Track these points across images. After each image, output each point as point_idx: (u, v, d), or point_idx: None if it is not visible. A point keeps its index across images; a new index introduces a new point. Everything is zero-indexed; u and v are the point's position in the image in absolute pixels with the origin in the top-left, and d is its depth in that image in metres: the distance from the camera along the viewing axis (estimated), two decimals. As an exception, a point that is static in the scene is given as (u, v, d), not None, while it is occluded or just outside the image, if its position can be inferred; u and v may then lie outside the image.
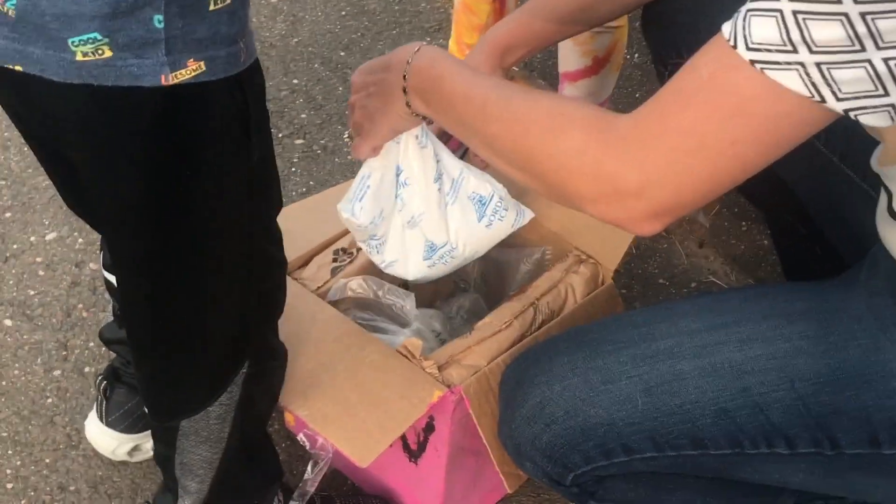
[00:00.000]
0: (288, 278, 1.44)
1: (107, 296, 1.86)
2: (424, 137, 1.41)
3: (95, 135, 1.08)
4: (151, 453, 1.51)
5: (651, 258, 2.19)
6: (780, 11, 0.95)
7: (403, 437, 1.53)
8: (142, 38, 1.00)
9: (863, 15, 0.92)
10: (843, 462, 1.26)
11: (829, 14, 0.93)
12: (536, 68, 2.67)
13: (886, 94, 0.95)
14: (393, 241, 1.48)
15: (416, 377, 1.46)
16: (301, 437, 1.50)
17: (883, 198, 1.22)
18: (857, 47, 0.93)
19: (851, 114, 0.98)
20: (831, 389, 1.24)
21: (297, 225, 1.62)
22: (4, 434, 1.83)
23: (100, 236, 1.60)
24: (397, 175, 1.43)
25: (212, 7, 1.03)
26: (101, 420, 1.74)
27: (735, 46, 0.98)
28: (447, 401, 1.44)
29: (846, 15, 0.92)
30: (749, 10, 0.97)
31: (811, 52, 0.94)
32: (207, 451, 1.37)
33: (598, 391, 1.31)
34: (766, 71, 0.96)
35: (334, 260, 1.66)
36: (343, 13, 2.89)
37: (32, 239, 2.19)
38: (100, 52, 1.00)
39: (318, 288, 1.62)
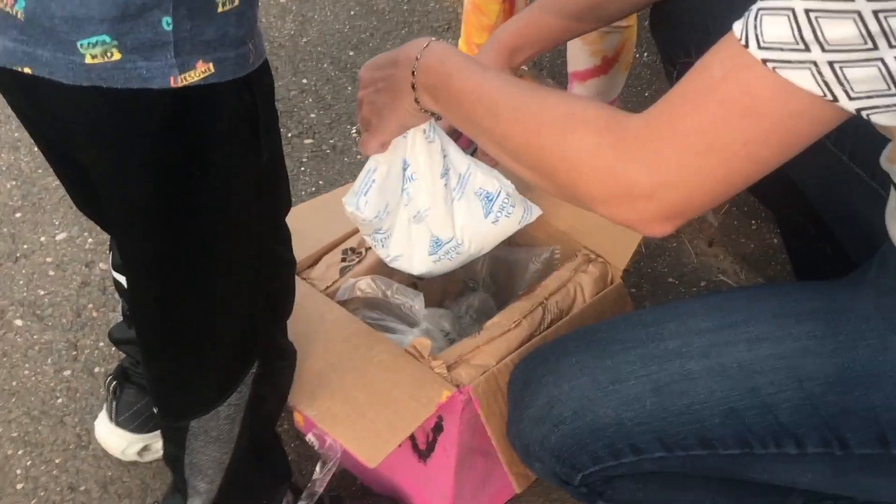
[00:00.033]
0: (297, 278, 1.44)
1: (116, 296, 1.86)
2: (432, 132, 1.40)
3: (104, 137, 1.08)
4: (161, 453, 1.51)
5: (660, 257, 2.19)
6: (793, 10, 0.94)
7: (412, 437, 1.53)
8: (150, 40, 1.00)
9: (875, 13, 0.91)
10: (852, 462, 1.26)
11: (841, 12, 0.92)
12: (546, 67, 2.66)
13: None
14: (398, 236, 1.47)
15: (425, 377, 1.46)
16: (310, 437, 1.50)
17: (892, 196, 1.22)
18: (870, 46, 0.93)
19: (864, 113, 0.97)
20: (840, 389, 1.23)
21: (306, 224, 1.62)
22: (15, 434, 1.83)
23: (109, 236, 1.61)
24: (404, 169, 1.42)
25: (220, 9, 1.03)
26: (110, 420, 1.74)
27: (747, 46, 0.97)
28: (456, 401, 1.44)
29: (859, 13, 0.92)
30: (760, 9, 0.97)
31: (824, 50, 0.94)
32: (217, 451, 1.37)
33: (606, 391, 1.31)
34: (778, 70, 0.96)
35: (343, 259, 1.66)
36: (352, 13, 2.89)
37: (43, 239, 2.19)
38: (109, 54, 1.00)
39: (327, 288, 1.62)
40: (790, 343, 1.27)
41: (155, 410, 1.39)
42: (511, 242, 1.80)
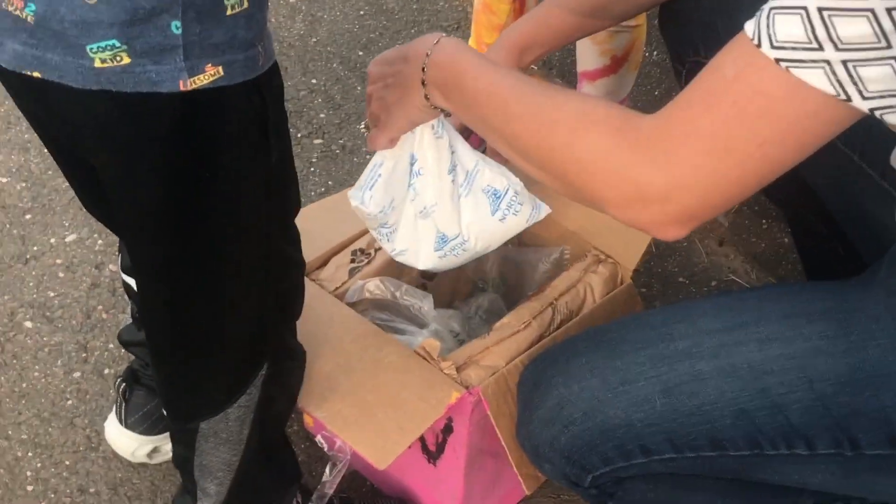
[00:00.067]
0: (306, 279, 1.44)
1: (126, 297, 1.86)
2: (440, 128, 1.39)
3: (114, 141, 1.08)
4: (171, 455, 1.51)
5: (671, 257, 2.18)
6: (805, 9, 0.93)
7: (422, 439, 1.53)
8: (160, 44, 1.00)
9: (889, 11, 0.91)
10: (863, 462, 1.25)
11: (855, 10, 0.92)
12: (555, 66, 2.66)
13: None
14: (404, 230, 1.46)
15: (435, 378, 1.45)
16: (319, 438, 1.50)
17: (903, 196, 1.22)
18: (884, 44, 0.92)
19: (877, 113, 0.97)
20: (851, 390, 1.23)
21: (316, 225, 1.62)
22: (25, 436, 1.84)
23: (118, 238, 1.61)
24: (411, 164, 1.41)
25: (229, 12, 1.03)
26: (120, 422, 1.74)
27: (759, 45, 0.97)
28: (465, 402, 1.44)
29: (872, 11, 0.91)
30: (773, 8, 0.96)
31: (837, 49, 0.93)
32: (226, 452, 1.37)
33: (616, 392, 1.30)
34: (791, 69, 0.95)
35: (352, 261, 1.66)
36: (361, 12, 2.89)
37: (52, 241, 2.19)
38: (118, 58, 1.00)
39: (336, 289, 1.62)
40: (801, 343, 1.26)
41: (164, 412, 1.40)
42: (521, 243, 1.80)
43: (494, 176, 1.42)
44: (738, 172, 1.04)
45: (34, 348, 1.98)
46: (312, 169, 2.39)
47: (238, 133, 1.11)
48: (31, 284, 2.10)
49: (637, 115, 1.11)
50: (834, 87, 0.95)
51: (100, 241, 2.18)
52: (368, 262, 1.66)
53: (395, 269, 1.67)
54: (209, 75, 1.04)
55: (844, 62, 0.93)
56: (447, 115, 1.36)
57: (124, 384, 1.73)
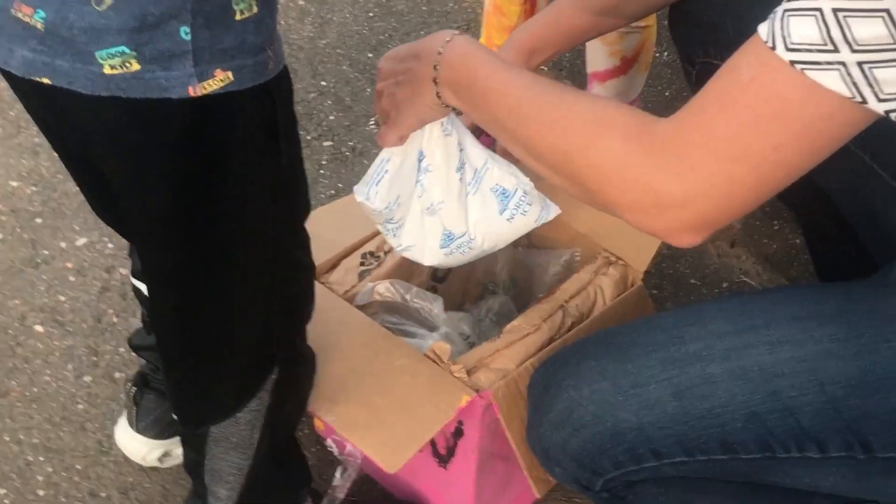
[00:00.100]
0: (315, 283, 1.44)
1: (136, 301, 1.86)
2: (450, 125, 1.38)
3: (124, 147, 1.08)
4: (181, 459, 1.51)
5: (682, 258, 2.17)
6: (820, 10, 0.93)
7: (433, 442, 1.53)
8: (169, 50, 1.00)
9: None
10: (875, 465, 1.25)
11: (870, 11, 0.91)
12: (565, 67, 2.66)
13: None
14: (410, 226, 1.45)
15: (445, 382, 1.45)
16: (329, 442, 1.50)
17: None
18: None
19: (892, 115, 0.96)
20: (862, 392, 1.22)
21: (325, 228, 1.62)
22: (36, 440, 1.84)
23: (129, 242, 1.61)
24: (420, 161, 1.40)
25: (238, 17, 1.03)
26: (131, 426, 1.74)
27: (774, 48, 0.96)
28: (476, 405, 1.44)
29: (888, 11, 0.91)
30: (787, 10, 0.96)
31: (853, 50, 0.92)
32: (237, 457, 1.37)
33: (627, 395, 1.30)
34: (806, 71, 0.95)
35: (362, 264, 1.66)
36: (371, 14, 2.88)
37: (63, 245, 2.19)
38: (127, 65, 1.00)
39: (346, 292, 1.62)
40: (812, 346, 1.25)
41: (174, 417, 1.40)
42: (531, 245, 1.80)
43: (504, 175, 1.41)
44: (754, 177, 1.03)
45: (45, 352, 1.98)
46: (322, 171, 2.38)
47: (248, 138, 1.11)
48: (41, 288, 2.10)
49: (652, 118, 1.10)
50: (849, 89, 0.94)
51: (110, 245, 2.18)
52: (378, 265, 1.66)
53: (406, 272, 1.66)
54: (219, 80, 1.04)
55: (860, 63, 0.93)
56: (458, 113, 1.35)
57: (135, 388, 1.73)
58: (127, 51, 0.99)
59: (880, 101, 0.95)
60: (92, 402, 1.90)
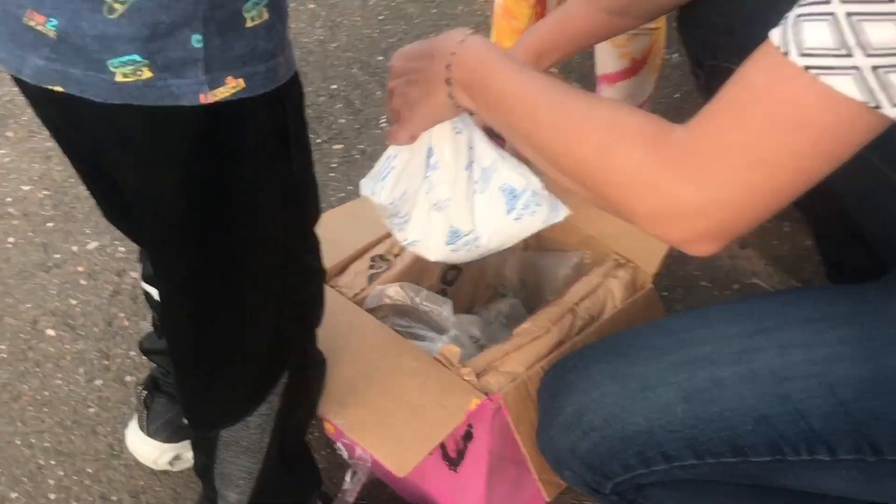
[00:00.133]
0: (325, 286, 1.44)
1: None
2: (461, 123, 1.37)
3: (137, 154, 1.08)
4: (192, 462, 1.51)
5: (692, 260, 2.17)
6: (833, 14, 0.92)
7: (443, 446, 1.53)
8: (181, 58, 1.00)
9: None
10: (886, 468, 1.25)
11: (884, 14, 0.90)
12: (575, 69, 2.65)
13: None
14: (417, 221, 1.44)
15: (454, 385, 1.45)
16: (339, 445, 1.50)
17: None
18: None
19: None
20: (872, 395, 1.22)
21: (335, 232, 1.61)
22: (47, 444, 1.84)
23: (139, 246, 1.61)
24: (428, 157, 1.40)
25: (249, 24, 1.03)
26: (141, 430, 1.75)
27: (787, 54, 0.95)
28: (485, 409, 1.43)
29: None
30: (799, 16, 0.95)
31: (866, 55, 0.91)
32: (247, 461, 1.37)
33: (636, 398, 1.30)
34: (820, 77, 0.93)
35: (371, 267, 1.66)
36: (381, 17, 2.89)
37: (74, 248, 2.20)
38: (139, 73, 1.00)
39: (356, 295, 1.62)
40: (822, 348, 1.25)
41: (185, 421, 1.40)
42: (540, 247, 1.80)
43: (513, 174, 1.39)
44: (771, 185, 1.02)
45: (56, 356, 1.99)
46: (332, 174, 2.39)
47: (259, 144, 1.11)
48: (53, 292, 2.11)
49: (668, 126, 1.08)
50: (864, 94, 0.93)
51: (121, 249, 2.18)
52: (388, 268, 1.66)
53: (415, 275, 1.66)
54: (230, 88, 1.04)
55: (874, 68, 0.92)
56: (471, 113, 1.34)
57: (145, 392, 1.74)
58: (139, 59, 0.99)
59: (894, 105, 0.94)
60: (103, 405, 1.90)
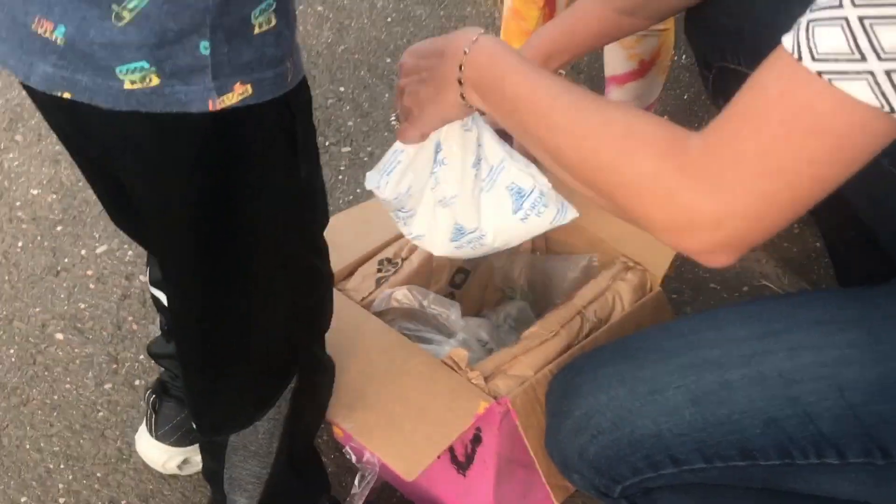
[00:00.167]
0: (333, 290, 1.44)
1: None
2: (471, 121, 1.36)
3: (145, 161, 1.08)
4: (201, 466, 1.51)
5: (701, 262, 2.16)
6: (846, 18, 0.91)
7: (451, 449, 1.53)
8: (189, 65, 1.00)
9: None
10: (894, 471, 1.24)
11: None
12: (584, 71, 2.65)
13: None
14: (422, 216, 1.43)
15: (463, 388, 1.45)
16: (347, 449, 1.50)
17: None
18: None
19: None
20: (881, 398, 1.22)
21: (342, 235, 1.62)
22: (57, 448, 1.85)
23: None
24: (436, 152, 1.39)
25: (257, 30, 1.03)
26: (150, 434, 1.75)
27: (800, 59, 0.94)
28: (494, 412, 1.43)
29: None
30: (811, 21, 0.94)
31: (880, 59, 0.91)
32: (256, 465, 1.37)
33: (644, 402, 1.29)
34: (834, 82, 0.93)
35: (379, 270, 1.66)
36: (389, 20, 2.89)
37: (83, 252, 2.20)
38: (147, 80, 1.00)
39: (363, 299, 1.62)
40: (831, 351, 1.25)
41: (193, 425, 1.40)
42: (549, 250, 1.80)
43: (520, 174, 1.38)
44: (789, 193, 1.01)
45: (65, 360, 1.99)
46: (340, 177, 2.39)
47: (267, 150, 1.12)
48: (61, 296, 2.11)
49: (684, 133, 1.07)
50: (878, 99, 0.92)
51: (130, 252, 2.19)
52: (395, 272, 1.66)
53: (423, 278, 1.67)
54: (238, 94, 1.04)
55: (888, 72, 0.91)
56: (482, 113, 1.32)
57: (154, 396, 1.74)
58: (147, 66, 0.99)
59: None
60: (112, 409, 1.90)
